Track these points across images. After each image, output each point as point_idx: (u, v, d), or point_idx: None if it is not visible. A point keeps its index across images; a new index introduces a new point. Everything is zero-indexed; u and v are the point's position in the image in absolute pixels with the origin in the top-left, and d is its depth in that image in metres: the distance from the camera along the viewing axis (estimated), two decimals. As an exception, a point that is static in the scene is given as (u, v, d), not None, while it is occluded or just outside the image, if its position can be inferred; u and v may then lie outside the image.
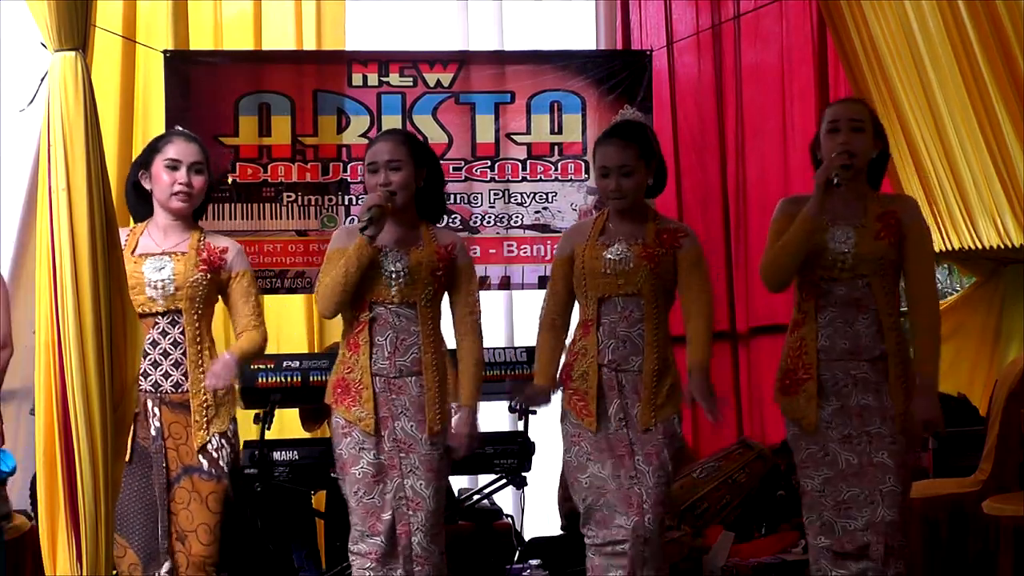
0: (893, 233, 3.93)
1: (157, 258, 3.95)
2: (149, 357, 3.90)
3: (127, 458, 3.80)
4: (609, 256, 4.07)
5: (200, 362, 3.94)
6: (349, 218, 5.83)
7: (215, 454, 3.93)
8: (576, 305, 4.20)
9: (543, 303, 4.21)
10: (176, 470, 3.90)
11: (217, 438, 3.94)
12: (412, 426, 4.02)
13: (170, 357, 3.93)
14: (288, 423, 5.53)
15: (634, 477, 4.00)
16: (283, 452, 4.92)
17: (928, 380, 3.90)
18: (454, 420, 4.07)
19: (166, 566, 3.87)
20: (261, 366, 4.91)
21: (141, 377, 3.86)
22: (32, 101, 3.28)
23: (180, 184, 3.96)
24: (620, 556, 3.98)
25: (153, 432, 3.89)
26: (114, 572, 3.74)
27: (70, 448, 3.07)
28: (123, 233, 3.94)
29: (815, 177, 3.88)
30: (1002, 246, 5.83)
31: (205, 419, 3.92)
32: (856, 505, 3.86)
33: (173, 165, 3.97)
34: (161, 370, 3.92)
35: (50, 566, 3.13)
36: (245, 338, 4.05)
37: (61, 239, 3.09)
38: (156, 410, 3.90)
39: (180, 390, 3.93)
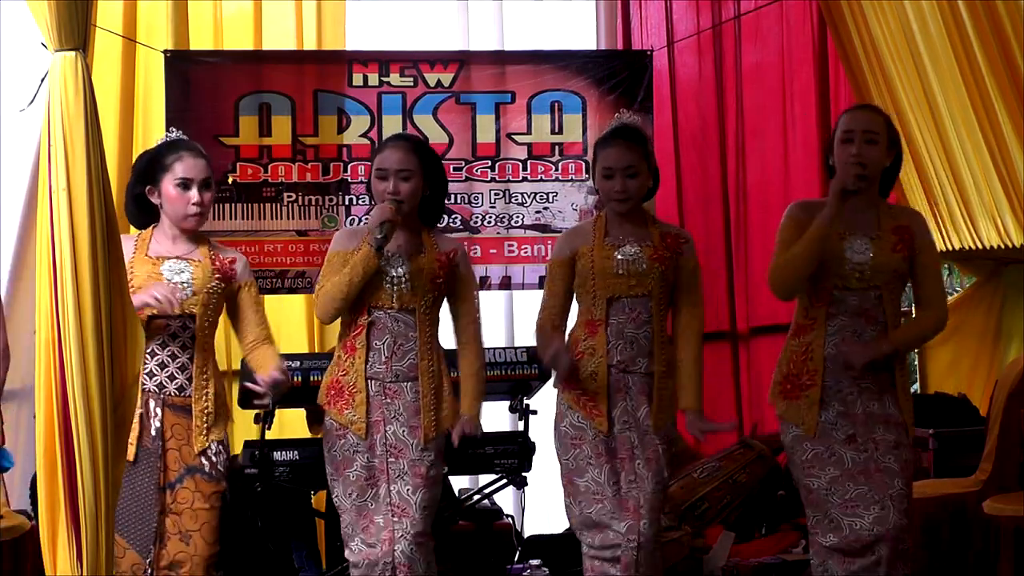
0: (907, 247, 3.96)
1: (175, 261, 3.95)
2: (157, 357, 3.91)
3: (132, 459, 3.81)
4: (620, 256, 4.06)
5: (205, 369, 3.95)
6: (349, 218, 5.83)
7: (215, 458, 3.96)
8: (574, 308, 4.18)
9: (541, 307, 4.18)
10: (178, 470, 3.91)
11: (216, 445, 3.96)
12: (404, 431, 4.03)
13: (177, 360, 3.93)
14: (288, 423, 5.52)
15: (633, 481, 4.01)
16: (283, 452, 4.91)
17: (891, 346, 3.91)
18: (456, 425, 4.07)
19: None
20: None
21: (146, 377, 3.88)
22: (32, 101, 3.28)
23: (194, 204, 3.95)
24: (617, 561, 3.98)
25: (153, 432, 3.89)
26: (114, 572, 3.74)
27: (70, 448, 3.06)
28: (129, 240, 3.96)
29: (831, 187, 3.88)
30: (1002, 246, 5.82)
31: (205, 425, 3.94)
32: (863, 504, 3.86)
33: (184, 184, 3.95)
34: (167, 372, 3.92)
35: (50, 566, 3.13)
36: (272, 356, 4.04)
37: (61, 239, 3.08)
38: (158, 411, 3.91)
39: (183, 394, 3.94)
